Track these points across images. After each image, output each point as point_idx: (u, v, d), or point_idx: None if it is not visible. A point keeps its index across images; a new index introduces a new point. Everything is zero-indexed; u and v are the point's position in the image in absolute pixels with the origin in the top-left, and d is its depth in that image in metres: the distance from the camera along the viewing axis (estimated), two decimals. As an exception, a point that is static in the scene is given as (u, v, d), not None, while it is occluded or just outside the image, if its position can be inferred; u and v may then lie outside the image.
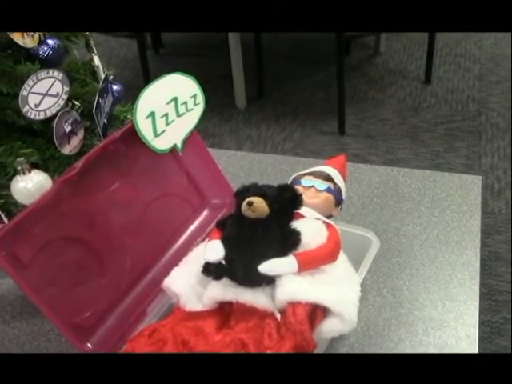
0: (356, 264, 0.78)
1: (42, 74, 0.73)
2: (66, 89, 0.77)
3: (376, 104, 2.84)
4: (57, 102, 0.75)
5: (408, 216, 1.00)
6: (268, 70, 3.00)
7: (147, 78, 2.60)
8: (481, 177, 1.07)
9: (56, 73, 0.75)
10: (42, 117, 0.74)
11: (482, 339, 1.65)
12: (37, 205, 0.69)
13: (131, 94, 0.77)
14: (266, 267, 0.69)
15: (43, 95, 0.74)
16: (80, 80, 0.83)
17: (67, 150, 0.78)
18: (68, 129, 0.78)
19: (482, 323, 1.70)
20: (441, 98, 2.85)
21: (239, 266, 0.71)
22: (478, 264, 0.90)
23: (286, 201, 0.73)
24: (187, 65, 3.15)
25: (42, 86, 0.73)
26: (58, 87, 0.75)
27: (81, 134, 0.81)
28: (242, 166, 1.14)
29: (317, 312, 0.70)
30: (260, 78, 2.94)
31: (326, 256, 0.73)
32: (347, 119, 2.64)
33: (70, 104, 0.81)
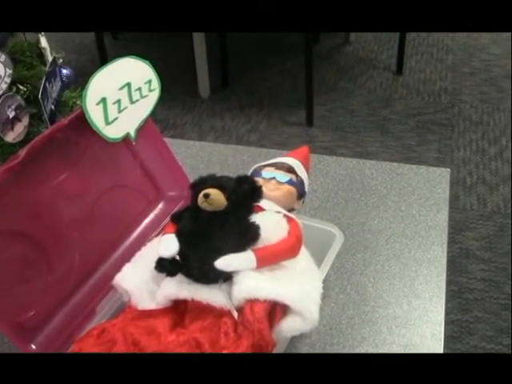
0: (319, 260, 0.78)
1: (-17, 55, 0.71)
2: (9, 71, 0.75)
3: (346, 95, 2.86)
4: (-1, 85, 0.74)
5: (374, 210, 1.01)
6: (233, 58, 3.00)
7: (104, 65, 2.57)
8: (449, 169, 1.09)
9: (-2, 54, 0.73)
10: (-18, 101, 0.73)
11: (451, 338, 1.67)
12: (-24, 196, 0.68)
13: (85, 81, 0.77)
14: (223, 263, 0.69)
15: (-17, 78, 0.72)
16: (26, 63, 0.82)
17: (10, 137, 0.77)
18: (12, 114, 0.76)
19: (451, 322, 1.73)
20: (412, 89, 2.88)
21: (194, 262, 0.71)
22: (444, 260, 0.91)
23: (245, 193, 0.73)
24: (147, 51, 3.12)
25: (-18, 68, 0.72)
26: (0, 70, 0.74)
27: (25, 120, 0.79)
28: (202, 156, 1.14)
29: (276, 310, 0.70)
30: (224, 66, 2.93)
31: (286, 251, 0.73)
32: (315, 110, 2.66)
33: (15, 88, 0.79)
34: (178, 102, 2.81)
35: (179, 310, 0.73)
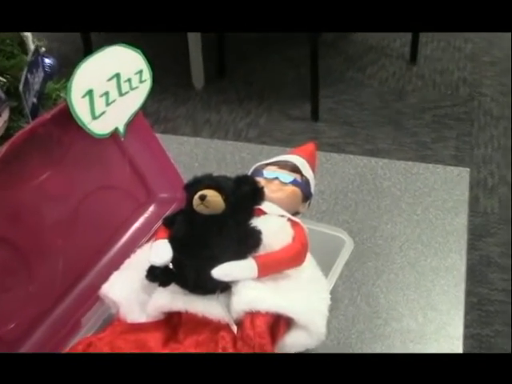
0: (326, 268, 0.79)
1: (-42, 43, 0.72)
2: (-13, 61, 0.75)
3: (354, 86, 2.87)
4: (-24, 76, 0.74)
5: (386, 214, 1.01)
6: (231, 46, 3.00)
7: (89, 54, 2.57)
8: (469, 169, 1.09)
9: (-25, 42, 0.73)
10: (-43, 93, 0.73)
11: (470, 355, 1.67)
12: (-49, 197, 0.68)
13: (70, 71, 0.77)
14: (221, 271, 0.69)
15: (-41, 68, 0.72)
16: (6, 52, 0.82)
17: (-12, 133, 0.77)
18: (-10, 108, 0.77)
19: (470, 336, 1.74)
20: (428, 81, 2.89)
21: (189, 271, 0.71)
22: (463, 268, 0.91)
23: (245, 195, 0.74)
24: (137, 40, 3.12)
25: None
26: (-23, 59, 0.74)
27: (5, 114, 0.79)
28: (197, 154, 1.14)
29: (279, 323, 0.70)
30: (221, 54, 2.93)
31: (290, 259, 0.73)
32: (321, 103, 2.67)
33: (-7, 79, 0.79)
34: (169, 94, 2.82)
35: (172, 323, 0.73)
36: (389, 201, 1.03)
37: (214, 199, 0.70)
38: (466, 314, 0.85)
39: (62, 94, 0.87)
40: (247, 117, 2.70)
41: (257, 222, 0.73)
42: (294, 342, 0.70)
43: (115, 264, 0.79)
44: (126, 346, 0.70)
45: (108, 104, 0.82)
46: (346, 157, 1.12)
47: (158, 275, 0.72)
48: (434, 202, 1.03)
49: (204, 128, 2.63)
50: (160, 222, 0.79)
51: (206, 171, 0.76)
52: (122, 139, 0.85)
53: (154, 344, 0.70)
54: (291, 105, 2.75)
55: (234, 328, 0.69)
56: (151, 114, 2.64)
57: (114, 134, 0.84)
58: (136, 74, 0.85)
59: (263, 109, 2.74)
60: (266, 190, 0.77)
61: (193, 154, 1.14)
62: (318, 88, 2.61)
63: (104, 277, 0.78)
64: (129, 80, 0.84)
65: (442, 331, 0.82)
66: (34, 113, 0.81)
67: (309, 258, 0.76)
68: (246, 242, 0.71)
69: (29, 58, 0.80)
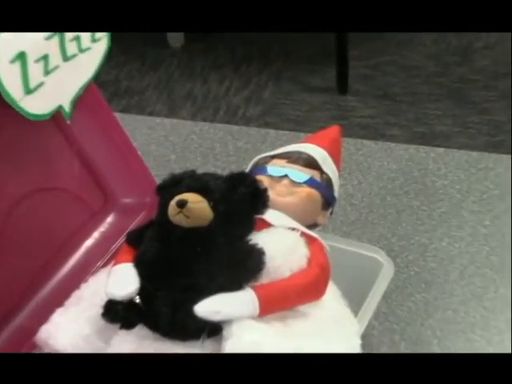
0: (356, 302, 0.79)
1: None
2: None
3: (398, 43, 2.86)
4: None
5: (441, 225, 1.01)
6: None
7: None
8: None
9: None
10: None
11: None
12: None
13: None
14: (207, 308, 0.69)
15: None
16: None
17: None
18: None
19: None
20: (504, 34, 2.88)
21: (163, 306, 0.71)
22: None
23: (242, 200, 0.74)
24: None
25: None
26: None
27: None
28: (174, 143, 1.14)
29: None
30: (208, -1, 2.93)
31: (305, 290, 0.74)
32: (351, 67, 2.64)
33: None
34: (135, 56, 2.81)
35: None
36: (445, 207, 1.04)
37: (197, 206, 0.71)
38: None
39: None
40: (245, 88, 2.69)
41: (258, 238, 0.74)
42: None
43: (58, 298, 0.79)
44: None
45: (47, 72, 0.82)
46: (385, 145, 1.13)
47: (118, 313, 0.72)
48: (509, 209, 1.03)
49: (184, 104, 2.63)
50: (122, 239, 0.80)
51: (187, 167, 0.78)
52: (68, 122, 0.86)
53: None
54: (308, 70, 2.73)
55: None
56: (109, 84, 2.62)
57: (57, 114, 0.84)
58: (87, 29, 0.86)
59: (268, 76, 2.73)
60: (271, 193, 0.78)
61: (168, 142, 1.14)
62: (346, 47, 2.60)
63: (42, 316, 0.77)
64: (77, 39, 0.84)
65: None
66: None
67: (331, 288, 0.77)
68: (242, 267, 0.72)
69: None
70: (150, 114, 2.50)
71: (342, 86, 2.66)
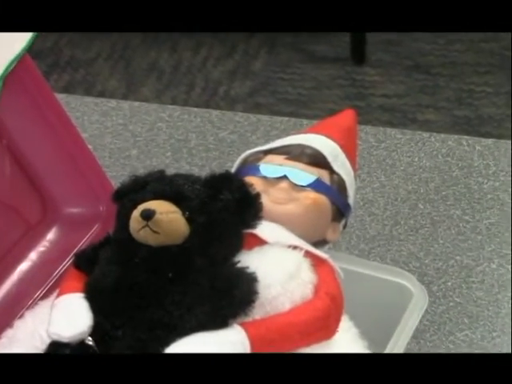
0: (379, 344, 0.76)
1: None
2: None
3: None
4: None
5: (491, 240, 0.98)
6: None
7: None
8: None
9: None
10: None
11: None
12: None
13: None
14: (183, 352, 0.66)
15: None
16: None
17: None
18: None
19: None
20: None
21: (126, 349, 0.68)
22: None
23: (226, 209, 0.71)
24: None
25: None
26: None
27: None
28: (135, 133, 1.10)
29: None
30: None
31: (310, 327, 0.70)
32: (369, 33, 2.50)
33: None
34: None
35: None
36: (495, 217, 1.01)
37: (168, 218, 0.68)
38: None
39: None
40: (229, 57, 2.58)
41: (248, 260, 0.71)
42: None
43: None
44: None
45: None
46: (416, 135, 1.08)
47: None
48: None
49: (146, 80, 2.52)
50: (69, 261, 0.79)
51: (153, 166, 0.77)
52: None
53: None
54: (313, 34, 2.58)
55: None
56: (46, 54, 2.52)
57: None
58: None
59: (259, 41, 2.61)
60: (266, 200, 0.74)
61: (127, 132, 1.10)
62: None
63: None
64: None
65: None
66: None
67: (345, 325, 0.73)
68: (227, 297, 0.68)
69: None
70: (102, 93, 2.36)
71: (359, 55, 2.52)
